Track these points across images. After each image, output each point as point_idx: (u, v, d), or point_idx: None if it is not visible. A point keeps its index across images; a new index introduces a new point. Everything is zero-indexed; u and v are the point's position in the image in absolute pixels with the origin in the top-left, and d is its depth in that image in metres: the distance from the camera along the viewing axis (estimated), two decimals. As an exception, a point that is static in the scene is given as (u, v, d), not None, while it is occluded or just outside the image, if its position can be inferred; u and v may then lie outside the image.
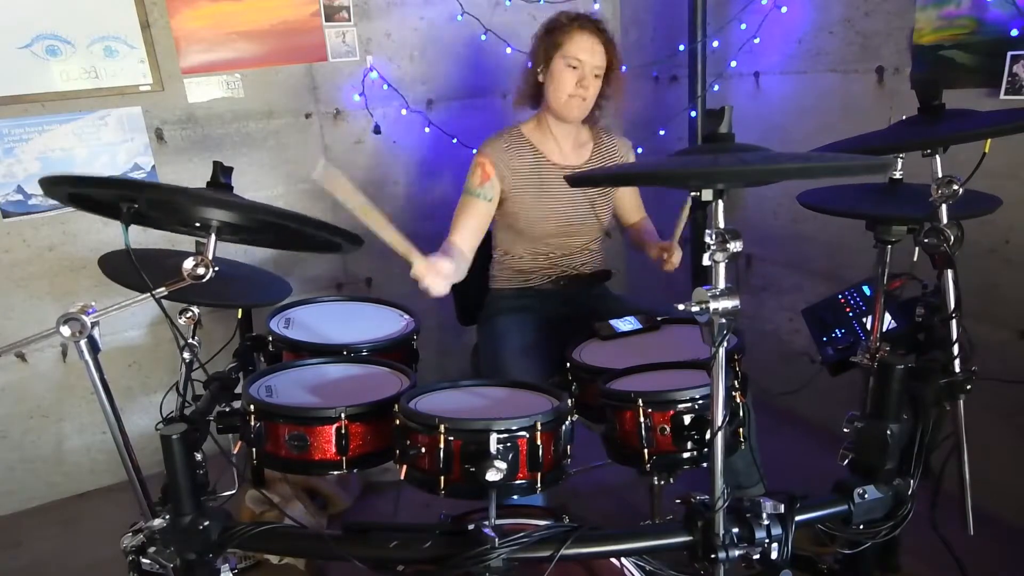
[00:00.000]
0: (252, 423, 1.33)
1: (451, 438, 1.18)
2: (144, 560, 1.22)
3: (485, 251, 2.13)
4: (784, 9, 2.44)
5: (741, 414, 1.38)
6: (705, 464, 1.23)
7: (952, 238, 1.29)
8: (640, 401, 1.30)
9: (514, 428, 1.18)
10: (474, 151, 2.07)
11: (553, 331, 1.96)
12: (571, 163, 2.04)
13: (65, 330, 1.11)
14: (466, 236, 1.94)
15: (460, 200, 1.98)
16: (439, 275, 1.57)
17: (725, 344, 1.03)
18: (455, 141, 2.90)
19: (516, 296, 2.09)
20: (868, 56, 2.23)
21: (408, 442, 1.23)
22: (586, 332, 1.74)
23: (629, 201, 2.18)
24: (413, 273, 1.54)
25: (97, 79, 2.38)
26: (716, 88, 2.74)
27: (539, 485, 1.22)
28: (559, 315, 2.04)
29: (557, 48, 1.90)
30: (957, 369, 1.35)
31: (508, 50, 2.84)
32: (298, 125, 2.74)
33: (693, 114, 2.75)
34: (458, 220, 1.96)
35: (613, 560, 1.30)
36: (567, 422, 1.27)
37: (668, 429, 1.30)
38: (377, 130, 2.81)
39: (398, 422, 1.26)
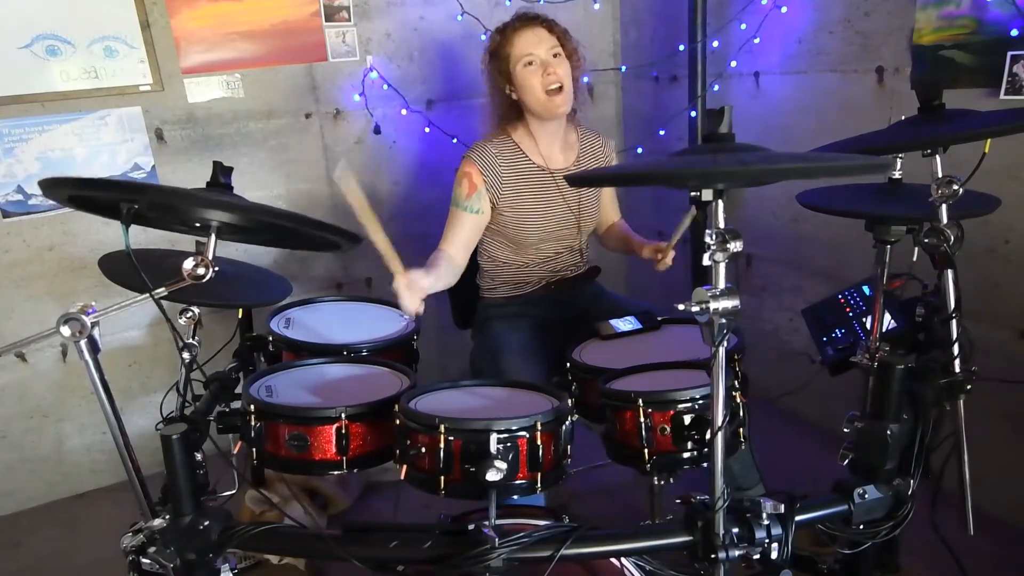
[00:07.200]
0: (252, 423, 1.33)
1: (451, 438, 1.18)
2: (144, 560, 1.22)
3: (476, 256, 2.12)
4: (784, 9, 2.44)
5: (741, 414, 1.38)
6: (705, 464, 1.23)
7: (952, 238, 1.29)
8: (640, 401, 1.30)
9: (514, 428, 1.18)
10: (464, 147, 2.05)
11: (548, 334, 1.95)
12: (558, 166, 2.01)
13: (65, 330, 1.11)
14: (457, 247, 1.93)
15: (449, 211, 1.96)
16: (415, 294, 1.57)
17: (725, 344, 1.03)
18: (455, 141, 2.90)
19: (506, 303, 2.08)
20: (868, 56, 2.23)
21: (408, 442, 1.23)
22: (582, 333, 1.74)
23: (607, 204, 2.16)
24: (393, 286, 1.55)
25: (97, 79, 2.38)
26: (716, 88, 2.74)
27: (539, 485, 1.22)
28: (552, 318, 2.03)
29: (508, 60, 1.89)
30: (957, 369, 1.35)
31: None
32: (298, 125, 2.74)
33: (693, 114, 2.75)
34: (448, 231, 1.95)
35: (613, 560, 1.29)
36: (567, 422, 1.27)
37: (668, 429, 1.30)
38: (377, 130, 2.81)
39: (398, 422, 1.26)
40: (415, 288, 1.57)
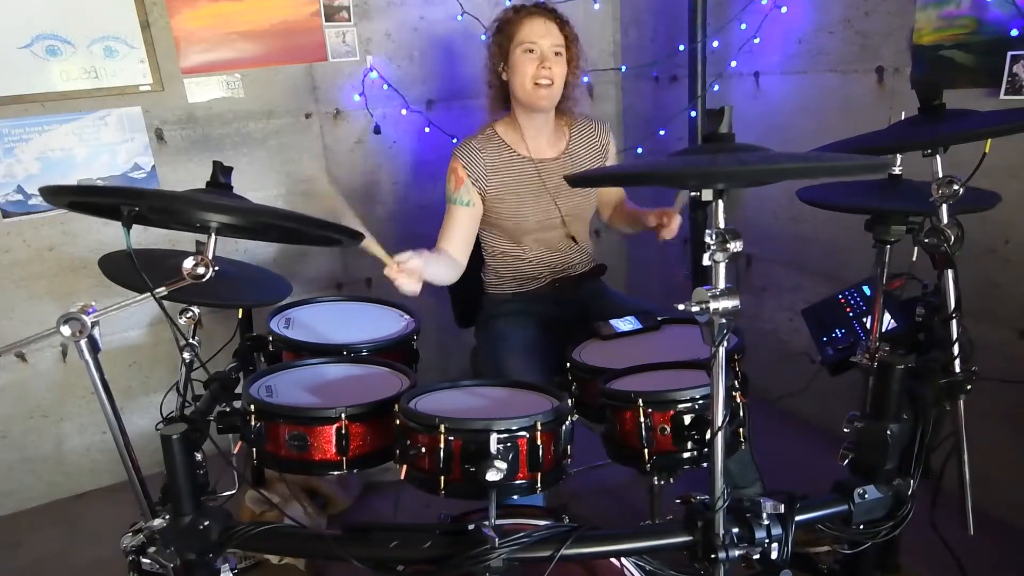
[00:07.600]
0: (252, 423, 1.33)
1: (451, 438, 1.18)
2: (144, 560, 1.22)
3: (479, 254, 2.13)
4: (784, 9, 2.44)
5: (741, 414, 1.38)
6: (705, 464, 1.23)
7: (952, 238, 1.29)
8: (640, 401, 1.30)
9: (514, 428, 1.18)
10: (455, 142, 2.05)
11: (551, 332, 1.95)
12: (545, 156, 2.02)
13: (65, 330, 1.11)
14: (454, 243, 1.94)
15: (445, 209, 1.99)
16: (409, 276, 1.61)
17: (725, 344, 1.03)
18: (455, 141, 2.88)
19: (511, 300, 2.08)
20: (868, 56, 2.23)
21: (408, 442, 1.23)
22: (585, 332, 1.74)
23: (610, 188, 2.15)
24: (385, 273, 1.59)
25: (97, 79, 2.38)
26: (716, 88, 2.74)
27: (539, 485, 1.22)
28: (556, 316, 2.03)
29: (511, 40, 1.90)
30: (957, 369, 1.35)
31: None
32: (298, 125, 2.74)
33: (693, 114, 2.75)
34: (444, 228, 1.97)
35: (613, 560, 1.29)
36: (567, 422, 1.27)
37: (668, 429, 1.30)
38: (377, 130, 2.81)
39: (398, 422, 1.26)
40: (406, 270, 1.60)
